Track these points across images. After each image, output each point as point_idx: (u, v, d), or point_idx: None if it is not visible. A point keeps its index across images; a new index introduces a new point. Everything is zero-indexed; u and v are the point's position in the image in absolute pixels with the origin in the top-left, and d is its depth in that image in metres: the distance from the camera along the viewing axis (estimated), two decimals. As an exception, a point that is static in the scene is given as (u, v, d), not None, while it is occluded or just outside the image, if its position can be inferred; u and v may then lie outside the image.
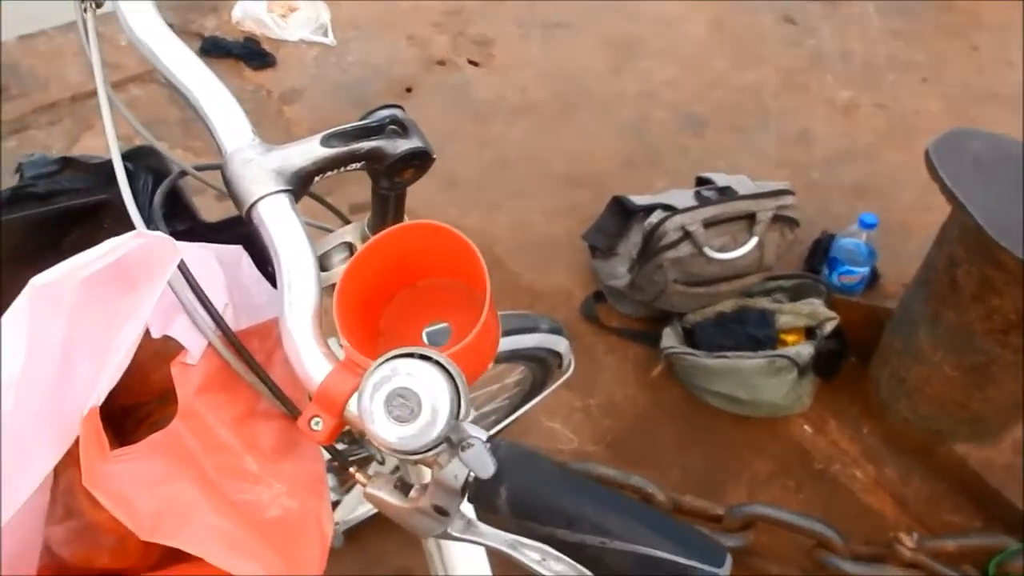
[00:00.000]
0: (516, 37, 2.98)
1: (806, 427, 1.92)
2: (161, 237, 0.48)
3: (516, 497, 0.45)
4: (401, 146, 0.58)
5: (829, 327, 1.88)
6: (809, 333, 1.91)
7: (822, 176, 2.50)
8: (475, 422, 1.38)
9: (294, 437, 0.57)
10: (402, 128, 0.59)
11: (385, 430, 0.43)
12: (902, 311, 1.75)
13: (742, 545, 1.59)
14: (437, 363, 0.43)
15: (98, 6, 0.60)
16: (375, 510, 1.32)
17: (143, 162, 0.73)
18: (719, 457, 1.87)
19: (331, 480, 1.36)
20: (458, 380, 0.43)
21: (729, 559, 0.45)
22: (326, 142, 0.56)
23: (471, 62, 2.87)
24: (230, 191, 0.54)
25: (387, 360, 0.43)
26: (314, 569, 0.53)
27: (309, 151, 0.56)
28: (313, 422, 0.47)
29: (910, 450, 1.83)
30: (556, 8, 3.08)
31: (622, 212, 2.05)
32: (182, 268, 0.52)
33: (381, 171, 0.59)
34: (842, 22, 3.11)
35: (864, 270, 1.99)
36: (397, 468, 0.55)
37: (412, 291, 0.57)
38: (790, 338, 1.90)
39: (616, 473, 1.65)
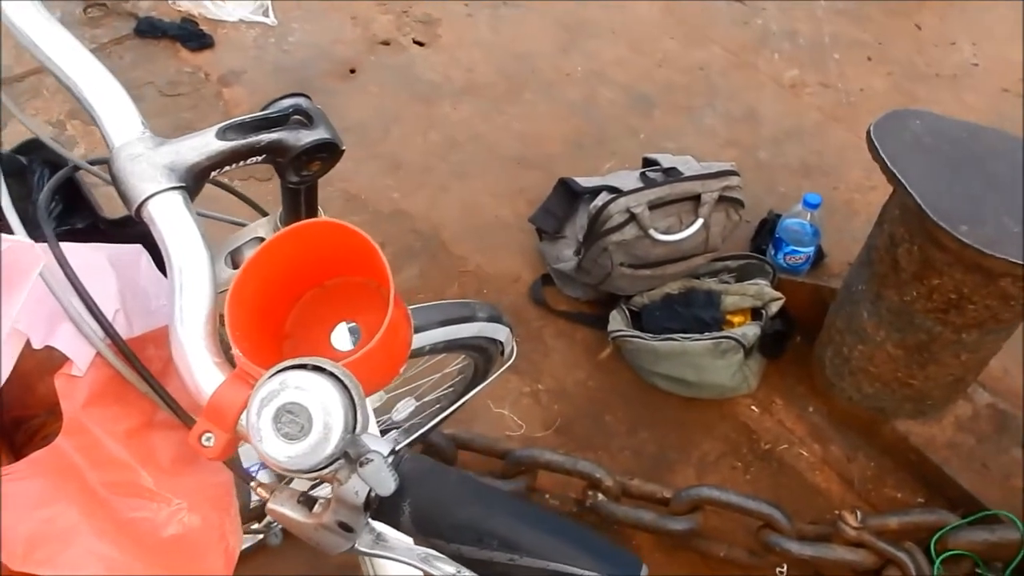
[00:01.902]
0: (463, 17, 2.93)
1: (753, 407, 1.92)
2: (20, 242, 0.44)
3: (420, 513, 0.43)
4: (305, 138, 0.55)
5: (775, 307, 1.88)
6: (755, 314, 1.91)
7: (769, 156, 2.51)
8: (419, 412, 1.34)
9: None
10: (307, 118, 0.55)
11: (274, 448, 0.40)
12: (845, 291, 1.76)
13: (690, 528, 1.59)
14: (331, 375, 0.40)
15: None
16: None
17: (40, 155, 0.69)
18: (668, 439, 1.87)
19: (269, 474, 1.32)
20: (354, 392, 0.40)
21: (645, 569, 0.43)
22: (222, 135, 0.53)
23: (416, 42, 2.82)
24: (118, 189, 0.50)
25: (275, 373, 0.40)
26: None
27: (204, 145, 0.52)
28: (204, 438, 0.44)
29: (855, 428, 1.85)
30: (504, -13, 3.04)
31: (569, 194, 2.03)
32: (66, 272, 0.49)
33: (286, 164, 0.56)
34: (789, 2, 3.11)
35: (809, 250, 2.00)
36: (309, 504, 0.51)
37: (320, 291, 0.54)
38: (736, 319, 1.90)
39: (564, 459, 1.63)
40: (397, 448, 0.46)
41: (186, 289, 0.47)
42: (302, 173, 0.57)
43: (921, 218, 1.44)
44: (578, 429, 1.87)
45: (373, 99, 2.60)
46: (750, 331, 1.82)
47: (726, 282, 1.97)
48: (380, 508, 0.44)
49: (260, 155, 0.54)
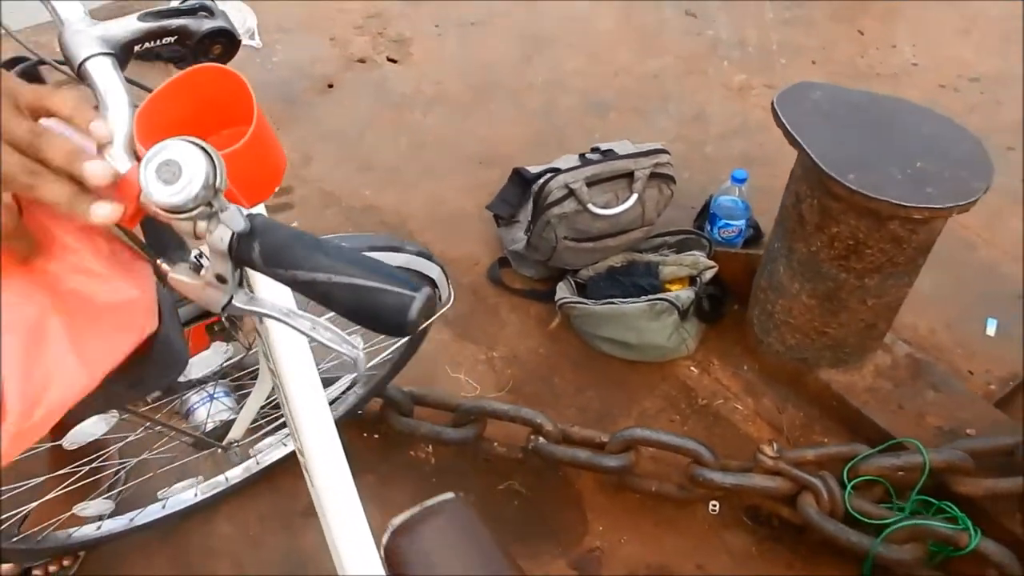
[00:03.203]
0: (433, 36, 3.15)
1: (692, 368, 2.08)
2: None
3: (266, 251, 0.60)
4: (206, 24, 0.73)
5: (708, 275, 2.05)
6: (692, 282, 2.08)
7: (715, 150, 2.69)
8: (375, 368, 1.50)
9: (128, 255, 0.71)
10: (210, 13, 0.74)
11: (156, 191, 0.57)
12: (767, 252, 1.93)
13: (623, 465, 1.74)
14: (199, 146, 0.58)
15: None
16: (289, 451, 1.48)
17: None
18: (612, 397, 2.02)
19: (226, 401, 1.49)
20: (215, 157, 0.58)
21: (427, 288, 0.60)
22: (143, 18, 0.71)
23: (390, 59, 3.03)
24: (64, 54, 0.69)
25: (160, 143, 0.58)
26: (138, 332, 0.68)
27: (128, 24, 0.70)
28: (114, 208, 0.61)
29: (784, 381, 2.00)
30: (472, 8, 3.26)
31: (522, 182, 2.22)
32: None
33: (192, 47, 0.74)
34: (739, 13, 3.33)
35: (740, 223, 2.17)
36: (197, 269, 0.68)
37: (214, 140, 0.72)
38: (674, 287, 2.07)
39: (508, 408, 1.79)
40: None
41: (112, 114, 0.65)
42: (208, 56, 0.75)
43: (817, 172, 1.62)
44: (528, 390, 2.03)
45: (349, 110, 2.80)
46: (683, 294, 1.99)
47: (665, 255, 2.14)
48: (239, 252, 0.60)
49: (171, 36, 0.72)
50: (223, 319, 1.09)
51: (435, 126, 2.75)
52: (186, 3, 0.74)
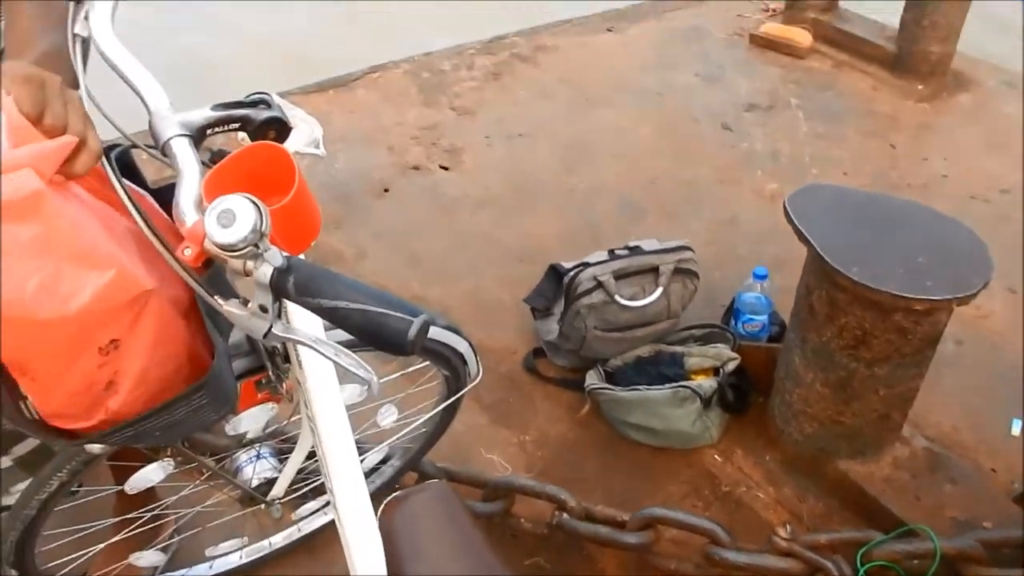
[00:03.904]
0: (483, 146, 3.40)
1: (716, 456, 2.15)
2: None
3: (298, 283, 0.75)
4: (264, 114, 0.91)
5: (731, 366, 2.15)
6: (716, 373, 2.18)
7: (747, 252, 2.82)
8: (403, 425, 1.64)
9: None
10: (267, 106, 0.92)
11: (215, 232, 0.73)
12: (784, 342, 2.03)
13: (642, 542, 1.81)
14: (248, 199, 0.74)
15: (81, 38, 0.95)
16: (328, 519, 1.63)
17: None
18: (637, 482, 2.10)
19: (270, 462, 1.62)
20: (261, 208, 0.74)
21: (424, 315, 0.74)
22: (215, 108, 0.89)
23: (442, 167, 3.27)
24: (152, 135, 0.87)
25: (221, 197, 0.74)
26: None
27: (203, 113, 0.89)
28: (185, 250, 0.77)
29: (804, 471, 2.06)
30: (520, 122, 3.52)
31: (557, 277, 2.37)
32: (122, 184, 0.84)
33: (252, 131, 0.92)
34: (773, 128, 3.52)
35: (763, 318, 2.27)
36: (245, 303, 0.83)
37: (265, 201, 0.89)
38: (699, 377, 2.17)
39: (534, 484, 1.89)
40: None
41: (185, 181, 0.82)
42: (264, 138, 0.93)
43: (823, 265, 1.74)
44: (557, 472, 2.12)
45: (402, 211, 3.02)
46: (706, 384, 2.09)
47: (690, 347, 2.25)
48: (277, 286, 0.76)
49: (236, 123, 0.90)
50: (269, 374, 1.24)
51: (480, 226, 2.95)
52: (249, 97, 0.92)
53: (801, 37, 4.09)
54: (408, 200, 3.09)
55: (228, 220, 0.73)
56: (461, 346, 1.57)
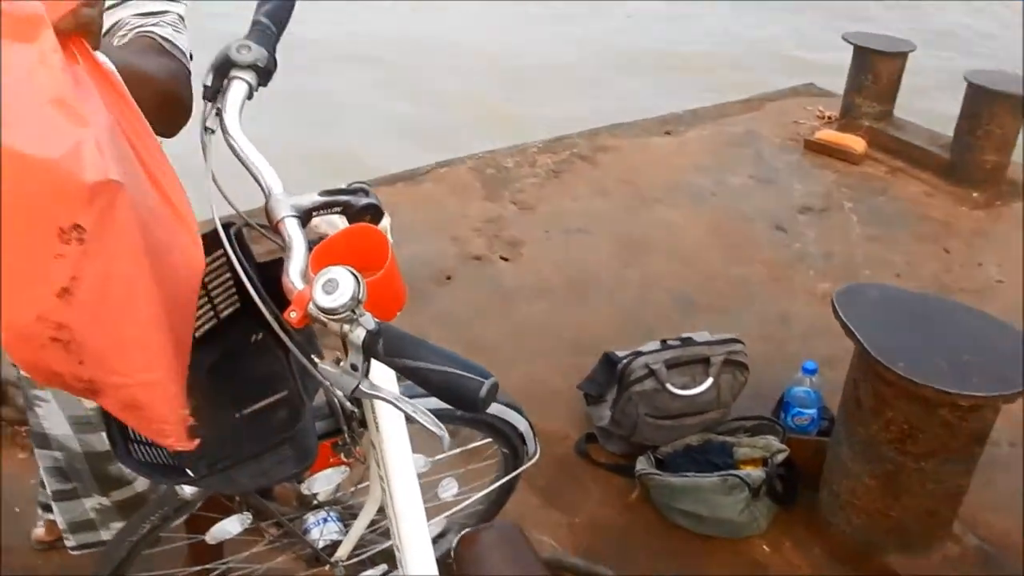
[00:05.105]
0: (542, 239, 3.55)
1: (764, 547, 2.17)
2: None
3: (387, 345, 0.87)
4: (363, 200, 1.05)
5: (780, 457, 2.19)
6: (765, 464, 2.22)
7: (797, 349, 2.87)
8: (462, 497, 1.74)
9: None
10: (365, 193, 1.06)
11: (320, 298, 0.85)
12: (832, 435, 2.07)
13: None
14: (350, 270, 0.87)
15: (212, 132, 1.10)
16: None
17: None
18: (684, 568, 2.13)
19: (336, 525, 1.71)
20: (360, 279, 0.86)
21: (494, 378, 0.85)
22: (321, 194, 1.03)
23: (502, 258, 3.42)
24: (268, 216, 1.01)
25: (326, 268, 0.87)
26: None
27: (311, 197, 1.03)
28: (292, 314, 0.90)
29: (852, 564, 2.07)
30: (578, 217, 3.67)
31: (610, 365, 2.46)
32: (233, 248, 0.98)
33: (351, 214, 1.06)
34: (826, 230, 3.61)
35: (812, 411, 2.32)
36: (337, 362, 0.95)
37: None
38: (747, 467, 2.21)
39: (580, 563, 1.94)
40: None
41: (294, 255, 0.96)
42: (362, 220, 1.07)
43: (869, 360, 1.81)
44: (605, 554, 2.16)
45: (463, 299, 3.16)
46: (755, 473, 2.13)
47: (740, 438, 2.30)
48: (368, 346, 0.87)
49: (339, 207, 1.04)
50: (345, 436, 1.34)
51: (537, 315, 3.06)
52: (350, 186, 1.06)
53: (855, 143, 4.21)
54: (469, 289, 3.23)
55: (332, 288, 0.86)
56: (521, 424, 1.66)
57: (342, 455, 1.42)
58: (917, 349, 1.81)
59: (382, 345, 0.87)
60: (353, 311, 0.87)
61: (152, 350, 0.89)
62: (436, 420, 0.92)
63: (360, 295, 0.86)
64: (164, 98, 1.12)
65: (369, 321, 0.87)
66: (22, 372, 1.40)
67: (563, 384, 2.71)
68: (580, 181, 4.00)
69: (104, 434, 1.19)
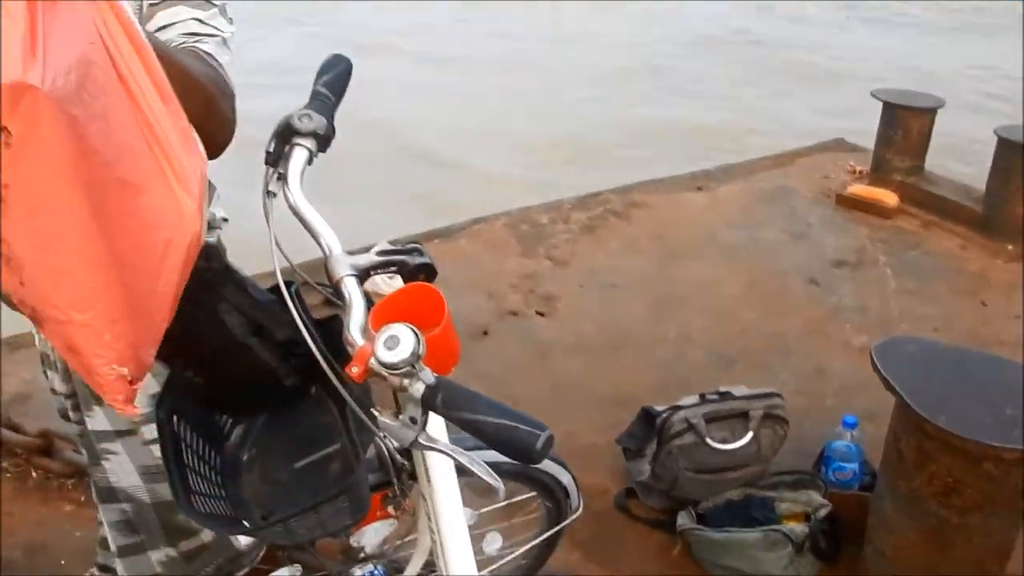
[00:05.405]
0: (577, 294, 3.59)
1: (808, 604, 2.15)
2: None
3: (445, 399, 0.91)
4: (418, 259, 1.10)
5: (823, 512, 2.18)
6: (808, 519, 2.21)
7: (836, 403, 2.87)
8: (506, 552, 1.76)
9: None
10: (420, 253, 1.11)
11: (383, 354, 0.90)
12: (875, 490, 2.06)
13: None
14: (410, 328, 0.91)
15: (274, 195, 1.17)
16: None
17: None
18: (728, 626, 2.11)
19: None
20: (419, 336, 0.91)
21: (549, 431, 0.88)
22: (378, 253, 1.09)
23: (538, 313, 3.47)
24: (328, 273, 1.06)
25: (388, 325, 0.92)
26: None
27: (369, 256, 1.08)
28: (353, 369, 0.94)
29: (900, 623, 2.04)
30: (612, 273, 3.71)
31: (648, 419, 2.48)
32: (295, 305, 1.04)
33: (406, 273, 1.11)
34: (861, 284, 3.61)
35: (854, 466, 2.31)
36: (395, 415, 0.98)
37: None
38: (789, 522, 2.20)
39: (626, 619, 1.93)
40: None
41: (354, 311, 1.01)
42: (416, 279, 1.12)
43: (911, 413, 1.81)
44: (647, 611, 2.15)
45: (499, 354, 3.20)
46: (798, 529, 2.12)
47: (781, 493, 2.29)
48: (427, 400, 0.91)
49: (395, 265, 1.09)
50: (395, 489, 1.38)
51: (574, 370, 3.09)
52: (406, 246, 1.12)
53: (888, 197, 4.23)
54: (505, 343, 3.27)
55: (393, 344, 0.90)
56: (564, 478, 1.68)
57: (391, 507, 1.45)
58: (958, 402, 1.81)
59: (441, 399, 0.91)
60: (413, 366, 0.91)
61: (82, 288, 0.89)
62: (491, 471, 0.95)
63: (420, 351, 0.91)
64: (208, 107, 1.12)
65: (428, 376, 0.92)
66: (89, 427, 1.45)
67: (601, 439, 2.72)
68: (614, 237, 4.05)
69: (172, 484, 1.23)
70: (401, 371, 0.91)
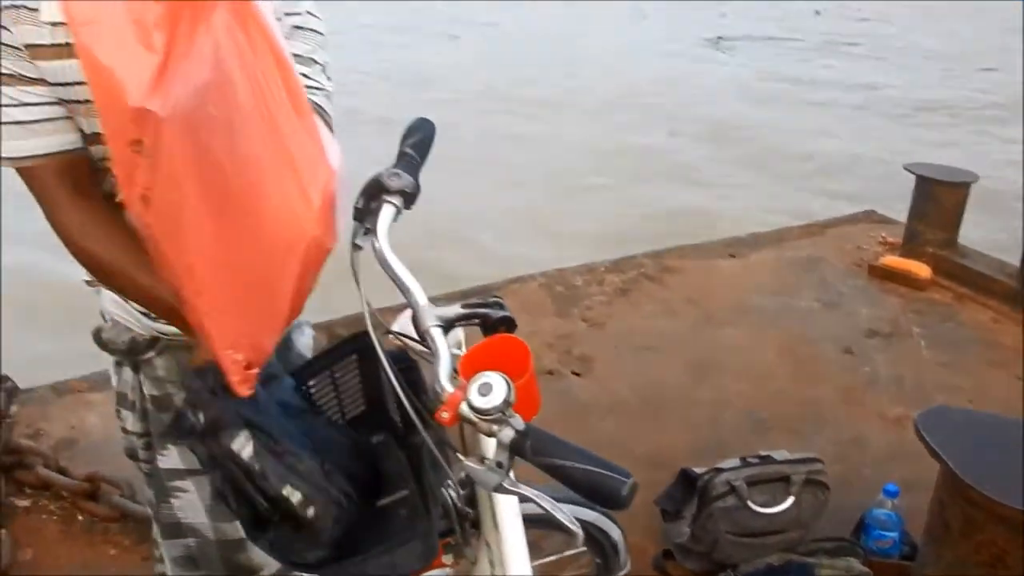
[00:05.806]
0: (613, 356, 3.63)
1: (850, 674, 2.14)
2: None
3: (534, 445, 0.96)
4: (499, 313, 1.17)
5: (863, 580, 2.18)
6: (848, 587, 2.21)
7: (873, 472, 2.87)
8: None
9: None
10: (500, 307, 1.18)
11: (476, 399, 0.95)
12: (918, 558, 2.07)
13: None
14: (502, 376, 0.97)
15: (360, 248, 1.24)
16: None
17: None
18: None
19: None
20: (510, 385, 0.96)
21: (633, 478, 0.93)
22: (463, 306, 1.15)
23: (574, 372, 3.51)
24: (415, 323, 1.13)
25: (482, 372, 0.97)
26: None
27: (454, 308, 1.15)
28: (443, 414, 1.00)
29: None
30: (646, 336, 3.76)
31: (687, 481, 2.50)
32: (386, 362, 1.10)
33: (487, 325, 1.17)
34: (895, 354, 3.63)
35: (894, 535, 2.31)
36: (481, 460, 1.03)
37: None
38: (830, 590, 2.20)
39: None
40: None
41: (442, 362, 1.07)
42: (496, 331, 1.18)
43: (957, 482, 1.83)
44: (687, 675, 2.15)
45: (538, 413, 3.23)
46: (839, 596, 2.13)
47: (820, 560, 2.29)
48: (515, 445, 0.96)
49: (477, 318, 1.15)
50: (458, 536, 1.41)
51: (610, 430, 3.11)
52: (488, 299, 1.18)
53: (920, 269, 4.27)
54: (543, 402, 3.29)
55: (486, 391, 0.96)
56: (615, 534, 1.72)
57: (451, 555, 1.49)
58: (1003, 471, 1.83)
59: (529, 445, 0.96)
60: (504, 412, 0.96)
61: (202, 279, 1.02)
62: (569, 516, 1.00)
63: (511, 398, 0.96)
64: None
65: (519, 422, 0.97)
66: (160, 465, 1.50)
67: (638, 499, 2.71)
68: (647, 300, 4.10)
69: (238, 523, 1.28)
70: (492, 417, 0.96)
